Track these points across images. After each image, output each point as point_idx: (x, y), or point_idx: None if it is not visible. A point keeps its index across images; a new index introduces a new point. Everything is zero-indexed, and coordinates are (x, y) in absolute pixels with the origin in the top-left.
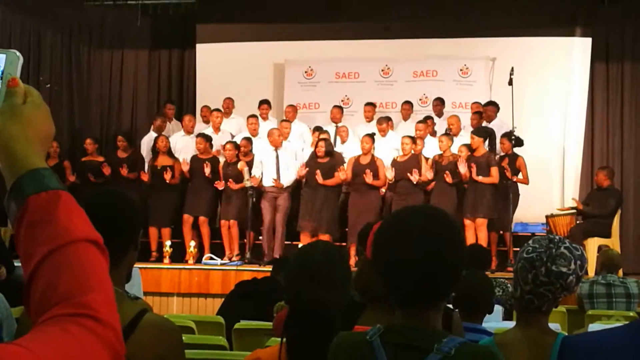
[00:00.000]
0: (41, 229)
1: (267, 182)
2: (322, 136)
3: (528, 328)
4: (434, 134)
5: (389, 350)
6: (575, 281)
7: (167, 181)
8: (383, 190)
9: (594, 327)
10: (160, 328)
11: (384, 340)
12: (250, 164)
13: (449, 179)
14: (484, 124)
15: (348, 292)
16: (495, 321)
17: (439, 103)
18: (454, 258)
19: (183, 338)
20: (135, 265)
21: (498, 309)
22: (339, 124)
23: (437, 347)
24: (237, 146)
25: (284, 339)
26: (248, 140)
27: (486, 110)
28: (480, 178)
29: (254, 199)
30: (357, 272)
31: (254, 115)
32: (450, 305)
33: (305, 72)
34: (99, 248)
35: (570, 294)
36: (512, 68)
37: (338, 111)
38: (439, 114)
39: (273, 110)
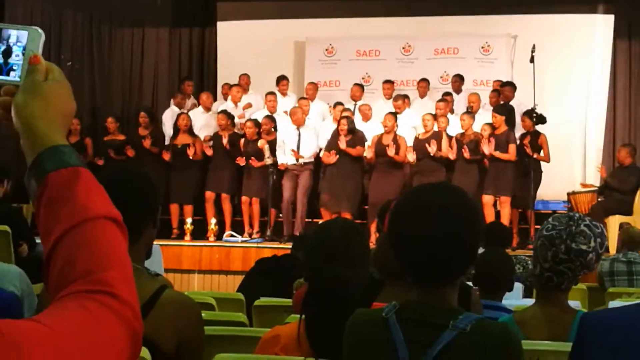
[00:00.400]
0: (60, 206)
1: (288, 160)
2: (344, 114)
3: (547, 305)
4: (452, 111)
5: (404, 327)
6: (595, 259)
7: (190, 157)
8: (411, 158)
9: (614, 304)
10: (179, 304)
11: (400, 317)
12: (272, 143)
13: (466, 155)
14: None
15: (366, 270)
16: (516, 298)
17: (458, 80)
18: (470, 235)
19: (203, 314)
20: (156, 242)
21: (518, 286)
22: (359, 102)
23: (452, 323)
24: (257, 124)
25: (303, 316)
26: (270, 118)
27: (503, 91)
28: (497, 153)
29: (275, 177)
30: (375, 249)
31: (272, 93)
32: (470, 283)
33: (326, 49)
34: (118, 225)
35: (590, 272)
36: (534, 45)
37: (358, 89)
38: (458, 91)
39: (294, 88)
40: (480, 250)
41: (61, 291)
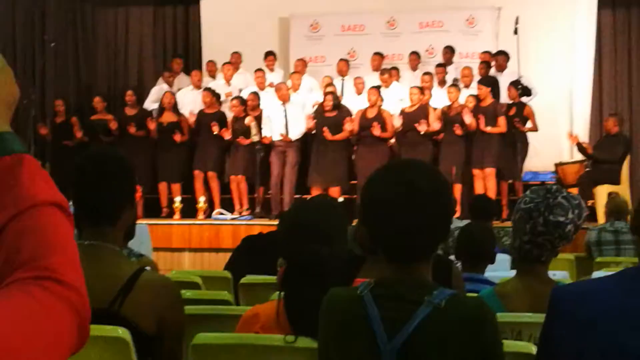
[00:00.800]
0: (5, 193)
1: (276, 137)
2: (328, 89)
3: (527, 278)
4: (443, 82)
5: (379, 304)
6: (573, 230)
7: (177, 141)
8: (392, 141)
9: (598, 274)
10: (157, 285)
11: (375, 294)
12: (258, 119)
13: (458, 131)
14: (492, 73)
15: (344, 246)
16: (503, 270)
17: (448, 51)
18: (440, 210)
19: (189, 293)
20: (145, 221)
21: (506, 257)
22: (346, 77)
23: (427, 299)
24: (243, 101)
25: (282, 294)
26: (255, 94)
27: (497, 60)
28: (488, 129)
29: (262, 154)
30: (356, 225)
31: (260, 69)
32: (453, 257)
33: (311, 25)
34: (63, 211)
35: (569, 243)
36: (517, 17)
37: (344, 64)
38: (448, 62)
39: (279, 64)
40: (465, 223)
41: (6, 278)
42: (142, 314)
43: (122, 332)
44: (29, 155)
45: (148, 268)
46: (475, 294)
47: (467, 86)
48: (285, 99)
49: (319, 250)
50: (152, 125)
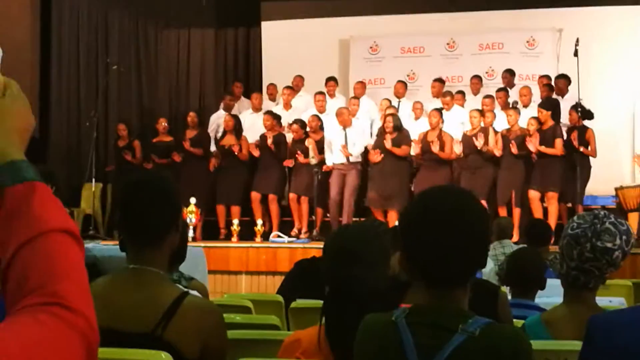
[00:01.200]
0: (17, 220)
1: (336, 160)
2: (388, 111)
3: (575, 305)
4: (506, 106)
5: (414, 330)
6: (621, 257)
7: (236, 153)
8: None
9: None
10: (201, 310)
11: (410, 320)
12: (320, 142)
13: (514, 150)
14: (554, 96)
15: (386, 271)
16: (558, 295)
17: (508, 75)
18: (477, 238)
19: (238, 318)
20: (202, 244)
21: (559, 283)
22: (403, 99)
23: (462, 327)
24: (303, 124)
25: (323, 319)
26: (317, 117)
27: (557, 84)
28: (543, 148)
29: (320, 176)
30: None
31: (321, 93)
32: (498, 282)
33: (370, 47)
34: (74, 238)
35: (616, 270)
36: (577, 39)
37: (401, 86)
38: (510, 86)
39: (340, 86)
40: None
41: (16, 305)
42: (185, 339)
43: (165, 356)
44: (41, 182)
45: (194, 292)
46: (522, 321)
47: (525, 106)
48: (346, 124)
49: (360, 276)
50: (211, 162)
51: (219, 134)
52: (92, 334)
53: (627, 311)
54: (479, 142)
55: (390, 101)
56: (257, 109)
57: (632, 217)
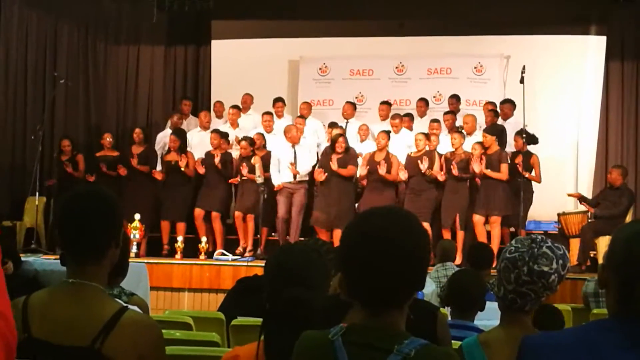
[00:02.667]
0: None
1: (284, 178)
2: (337, 132)
3: (511, 327)
4: (453, 129)
5: (349, 350)
6: (557, 280)
7: (182, 168)
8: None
9: None
10: (139, 325)
11: (346, 339)
12: (265, 159)
13: (455, 171)
14: (500, 121)
15: (326, 292)
16: (497, 318)
17: (454, 101)
18: (415, 261)
19: (178, 334)
20: (146, 260)
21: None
22: (351, 120)
23: (397, 348)
24: (252, 142)
25: (262, 337)
26: (261, 135)
27: (503, 108)
28: (488, 171)
29: (265, 195)
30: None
31: (269, 113)
32: (439, 304)
33: (320, 69)
34: None
35: (552, 294)
36: (524, 66)
37: (350, 107)
38: (456, 111)
39: (288, 106)
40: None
41: None
42: (122, 353)
43: None
44: None
45: (133, 307)
46: (459, 342)
47: (469, 134)
48: (294, 141)
49: (300, 295)
50: (158, 176)
51: (165, 151)
52: (11, 335)
53: (559, 333)
54: (423, 166)
55: (338, 125)
56: (204, 127)
57: (574, 243)
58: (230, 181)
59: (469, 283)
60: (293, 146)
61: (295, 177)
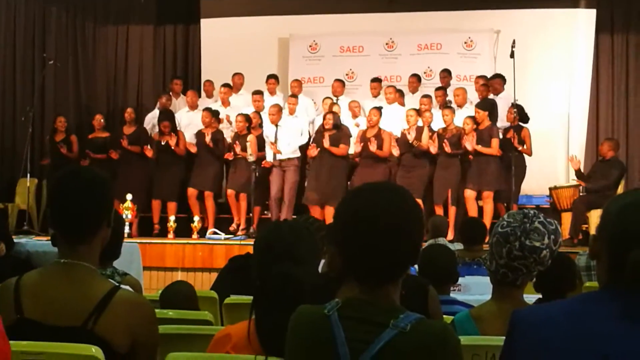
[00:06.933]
0: None
1: (269, 158)
2: (333, 108)
3: (503, 301)
4: (445, 104)
5: (345, 324)
6: (549, 255)
7: (172, 147)
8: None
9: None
10: (131, 304)
11: (342, 314)
12: (260, 138)
13: (447, 149)
14: (491, 96)
15: (316, 268)
16: (489, 293)
17: (446, 74)
18: (409, 235)
19: (171, 313)
20: (139, 240)
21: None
22: (342, 97)
23: (393, 322)
24: (248, 119)
25: (253, 314)
26: (257, 114)
27: (493, 84)
28: (479, 147)
29: (257, 174)
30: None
31: (259, 92)
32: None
33: (310, 46)
34: None
35: (544, 268)
36: (514, 40)
37: (339, 84)
38: (447, 86)
39: (279, 84)
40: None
41: None
42: (115, 333)
43: (95, 350)
44: None
45: (125, 287)
46: (451, 317)
47: (459, 106)
48: (274, 122)
49: (290, 272)
50: (149, 153)
51: (154, 132)
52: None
53: (549, 306)
54: (410, 136)
55: (332, 100)
56: (192, 106)
57: (566, 217)
58: (225, 156)
59: (440, 256)
60: (276, 125)
61: (275, 156)
